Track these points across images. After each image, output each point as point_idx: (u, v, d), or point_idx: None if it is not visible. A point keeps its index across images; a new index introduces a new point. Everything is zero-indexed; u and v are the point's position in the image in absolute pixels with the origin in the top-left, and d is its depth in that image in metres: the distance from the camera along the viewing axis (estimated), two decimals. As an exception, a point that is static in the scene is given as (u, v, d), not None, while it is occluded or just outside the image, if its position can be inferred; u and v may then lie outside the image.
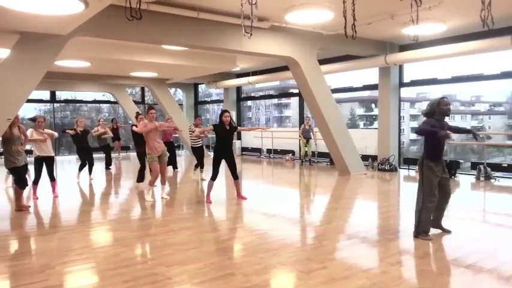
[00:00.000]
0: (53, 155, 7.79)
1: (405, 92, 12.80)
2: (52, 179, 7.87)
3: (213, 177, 7.18)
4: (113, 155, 16.39)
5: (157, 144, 7.44)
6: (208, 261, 4.25)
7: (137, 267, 4.15)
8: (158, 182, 7.69)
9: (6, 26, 7.13)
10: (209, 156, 16.81)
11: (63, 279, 3.91)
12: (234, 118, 17.61)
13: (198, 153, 9.89)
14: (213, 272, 3.94)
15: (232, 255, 4.64)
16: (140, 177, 8.98)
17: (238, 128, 7.65)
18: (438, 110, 4.89)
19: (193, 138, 9.68)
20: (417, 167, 5.23)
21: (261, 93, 22.59)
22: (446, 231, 5.22)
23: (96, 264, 4.26)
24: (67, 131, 10.10)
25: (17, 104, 7.62)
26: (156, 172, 7.43)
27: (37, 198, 7.61)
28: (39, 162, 7.63)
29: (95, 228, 5.81)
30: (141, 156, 8.96)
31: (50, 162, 7.72)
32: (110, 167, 12.64)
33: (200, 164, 9.91)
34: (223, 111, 7.17)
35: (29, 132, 7.33)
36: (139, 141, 8.67)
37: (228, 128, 7.14)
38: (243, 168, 13.42)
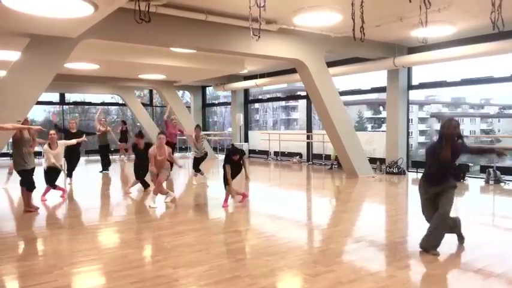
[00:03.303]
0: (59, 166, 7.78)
1: (414, 95, 12.73)
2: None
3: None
4: (119, 156, 16.50)
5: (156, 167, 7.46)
6: (215, 263, 4.25)
7: (144, 268, 4.17)
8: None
9: (16, 29, 7.22)
10: (216, 158, 16.85)
11: (71, 280, 3.93)
12: (242, 120, 17.65)
13: (197, 162, 9.80)
14: (219, 275, 3.93)
15: (239, 257, 4.63)
16: (145, 184, 8.81)
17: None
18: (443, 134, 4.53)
19: (196, 150, 9.68)
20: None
21: (268, 96, 22.60)
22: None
23: (103, 265, 4.28)
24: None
25: (27, 106, 7.71)
26: (158, 182, 7.46)
27: (45, 200, 7.69)
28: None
29: (102, 230, 5.84)
30: (139, 169, 8.72)
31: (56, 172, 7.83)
32: (109, 169, 12.26)
33: (195, 169, 9.83)
34: (233, 152, 7.20)
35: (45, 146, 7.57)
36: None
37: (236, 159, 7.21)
38: (250, 170, 13.39)
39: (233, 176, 7.32)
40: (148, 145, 8.69)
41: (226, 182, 7.20)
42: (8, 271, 4.18)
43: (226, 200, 7.29)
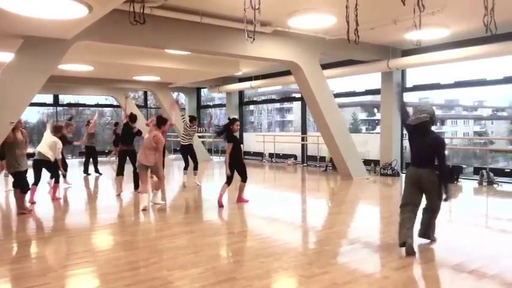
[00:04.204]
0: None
1: (408, 97, 12.79)
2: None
3: (228, 182, 7.24)
4: (108, 158, 16.36)
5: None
6: (209, 265, 4.25)
7: (138, 271, 4.15)
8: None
9: (10, 30, 7.18)
10: (211, 160, 16.83)
11: (65, 283, 3.91)
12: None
13: (186, 152, 9.56)
14: (214, 276, 3.93)
15: (234, 259, 4.63)
16: (137, 184, 8.53)
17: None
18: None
19: (183, 136, 9.59)
20: (432, 181, 4.72)
21: (263, 98, 22.63)
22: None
23: (97, 268, 4.26)
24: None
25: (21, 107, 7.64)
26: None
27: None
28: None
29: (96, 232, 5.81)
30: (134, 156, 8.54)
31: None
32: (88, 173, 11.94)
33: (194, 164, 9.62)
34: (235, 120, 7.41)
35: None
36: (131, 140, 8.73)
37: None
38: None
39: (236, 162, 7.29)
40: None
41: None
42: (1, 274, 4.15)
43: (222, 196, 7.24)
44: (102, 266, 4.28)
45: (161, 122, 7.44)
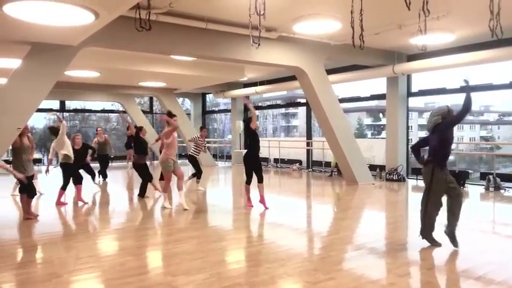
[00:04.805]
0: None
1: (413, 102, 12.76)
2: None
3: (248, 182, 7.65)
4: (125, 163, 16.42)
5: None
6: (214, 271, 4.24)
7: (143, 276, 4.14)
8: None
9: (18, 36, 7.26)
10: (216, 165, 16.82)
11: (70, 288, 3.91)
12: (242, 127, 17.65)
13: (190, 162, 9.73)
14: (219, 282, 3.92)
15: (239, 265, 4.61)
16: (143, 192, 8.71)
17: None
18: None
19: (195, 148, 9.62)
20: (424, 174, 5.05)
21: (268, 103, 22.65)
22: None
23: (102, 273, 4.26)
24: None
25: (27, 113, 7.72)
26: (170, 180, 7.71)
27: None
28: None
29: (101, 237, 5.82)
30: (143, 168, 8.78)
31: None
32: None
33: (198, 172, 9.71)
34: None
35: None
36: (143, 151, 8.76)
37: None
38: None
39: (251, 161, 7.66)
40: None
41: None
42: (7, 279, 4.16)
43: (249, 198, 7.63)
44: (107, 272, 4.28)
45: (169, 116, 7.67)
